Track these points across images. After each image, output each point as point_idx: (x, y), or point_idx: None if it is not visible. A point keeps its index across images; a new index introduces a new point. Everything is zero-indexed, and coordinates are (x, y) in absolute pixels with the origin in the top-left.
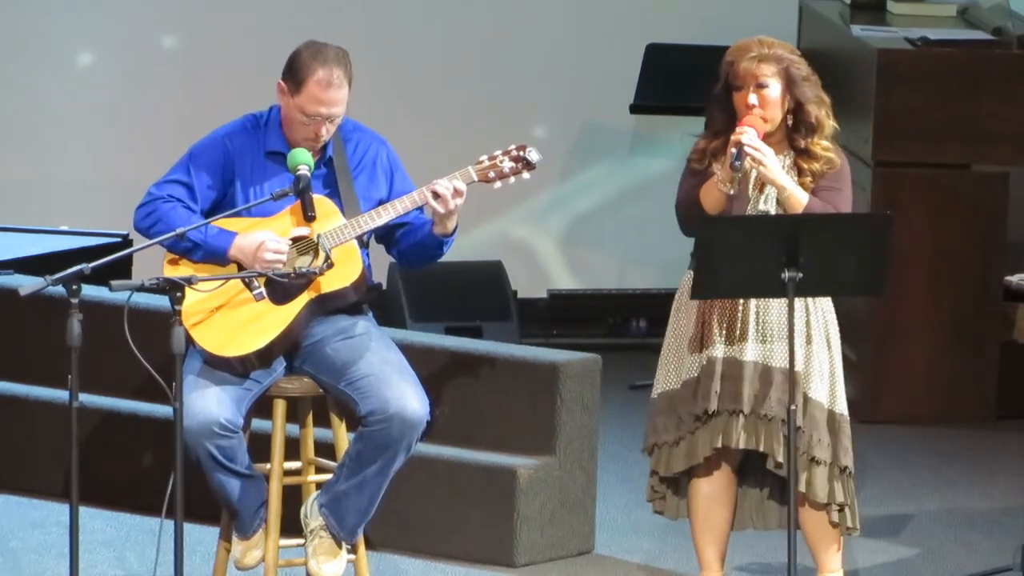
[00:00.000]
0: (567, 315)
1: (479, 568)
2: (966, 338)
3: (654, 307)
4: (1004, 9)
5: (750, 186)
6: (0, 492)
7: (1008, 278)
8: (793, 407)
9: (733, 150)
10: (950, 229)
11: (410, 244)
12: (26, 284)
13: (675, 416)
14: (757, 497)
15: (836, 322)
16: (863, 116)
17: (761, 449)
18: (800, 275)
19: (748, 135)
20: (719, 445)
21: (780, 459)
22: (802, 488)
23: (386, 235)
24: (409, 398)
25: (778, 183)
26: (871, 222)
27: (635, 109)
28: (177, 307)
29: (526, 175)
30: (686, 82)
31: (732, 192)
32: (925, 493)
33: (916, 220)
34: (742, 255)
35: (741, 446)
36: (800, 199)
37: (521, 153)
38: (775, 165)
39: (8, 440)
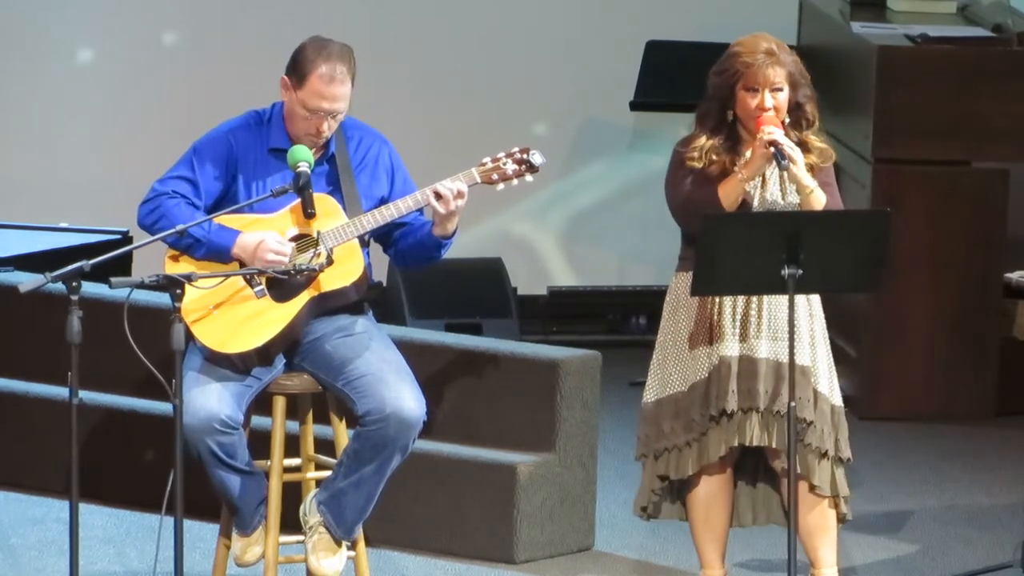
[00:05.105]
0: (567, 312)
1: (479, 565)
2: (966, 335)
3: (654, 304)
4: (1004, 6)
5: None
6: (0, 488)
7: (1008, 275)
8: (793, 404)
9: (771, 150)
10: (950, 226)
11: (408, 245)
12: (26, 281)
13: (683, 419)
14: (752, 493)
15: (823, 317)
16: (863, 113)
17: (775, 446)
18: (800, 271)
19: (778, 134)
20: (735, 444)
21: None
22: (815, 482)
23: (384, 235)
24: (406, 398)
25: (803, 183)
26: (870, 218)
27: (635, 106)
28: (177, 304)
29: (529, 178)
30: (686, 79)
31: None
32: (925, 490)
33: (916, 217)
34: (742, 251)
35: (755, 443)
36: (820, 199)
37: (524, 156)
38: (802, 164)
39: (8, 437)
